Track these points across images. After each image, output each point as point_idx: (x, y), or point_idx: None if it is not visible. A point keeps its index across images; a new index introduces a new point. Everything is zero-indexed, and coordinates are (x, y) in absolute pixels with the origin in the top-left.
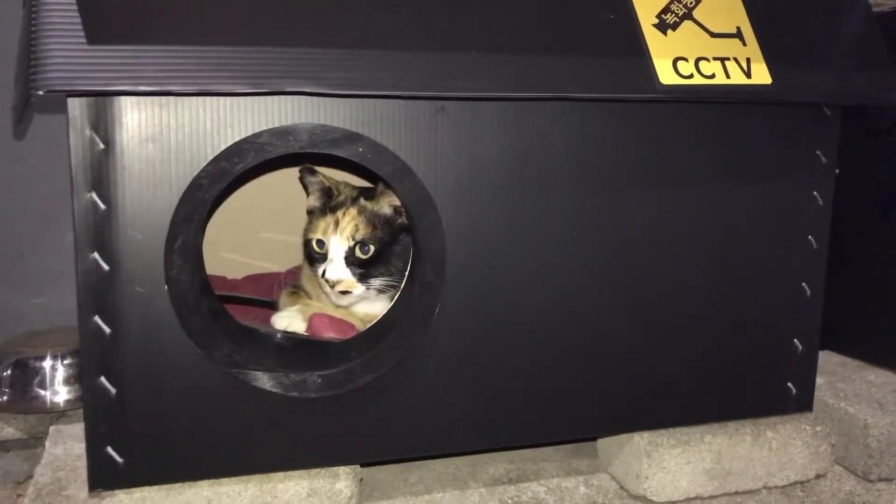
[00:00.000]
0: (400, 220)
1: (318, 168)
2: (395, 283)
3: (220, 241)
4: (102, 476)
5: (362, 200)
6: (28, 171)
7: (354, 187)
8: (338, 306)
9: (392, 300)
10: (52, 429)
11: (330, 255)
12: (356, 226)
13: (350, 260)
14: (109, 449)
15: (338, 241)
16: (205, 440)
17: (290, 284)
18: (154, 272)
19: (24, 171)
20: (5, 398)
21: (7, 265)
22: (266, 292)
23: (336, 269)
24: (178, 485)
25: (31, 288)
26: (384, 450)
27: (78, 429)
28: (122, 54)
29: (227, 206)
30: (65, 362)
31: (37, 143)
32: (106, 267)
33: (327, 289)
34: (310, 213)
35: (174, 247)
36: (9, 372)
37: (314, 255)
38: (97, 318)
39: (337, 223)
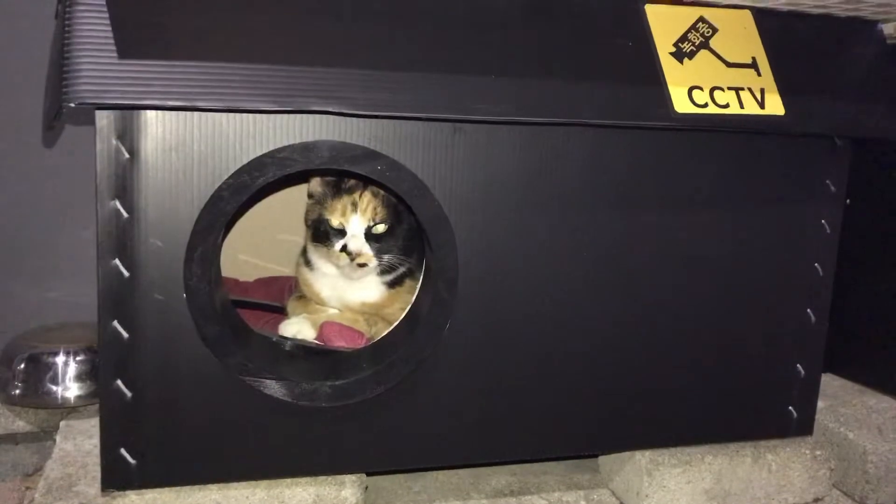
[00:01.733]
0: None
1: None
2: (400, 261)
3: (236, 243)
4: (115, 476)
5: (374, 186)
6: (46, 167)
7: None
8: (349, 279)
9: (389, 286)
10: (62, 424)
11: (350, 232)
12: (374, 207)
13: (367, 237)
14: (123, 450)
15: (358, 219)
16: (216, 445)
17: (298, 290)
18: (173, 280)
19: (42, 167)
20: (18, 392)
21: (23, 259)
22: (276, 296)
23: (357, 242)
24: (187, 487)
25: (47, 282)
26: (390, 460)
27: (88, 425)
28: (151, 69)
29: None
30: (77, 358)
31: (57, 142)
32: (126, 273)
33: (344, 261)
34: (312, 195)
35: (194, 256)
36: (22, 366)
37: (330, 232)
38: (116, 323)
39: (355, 204)
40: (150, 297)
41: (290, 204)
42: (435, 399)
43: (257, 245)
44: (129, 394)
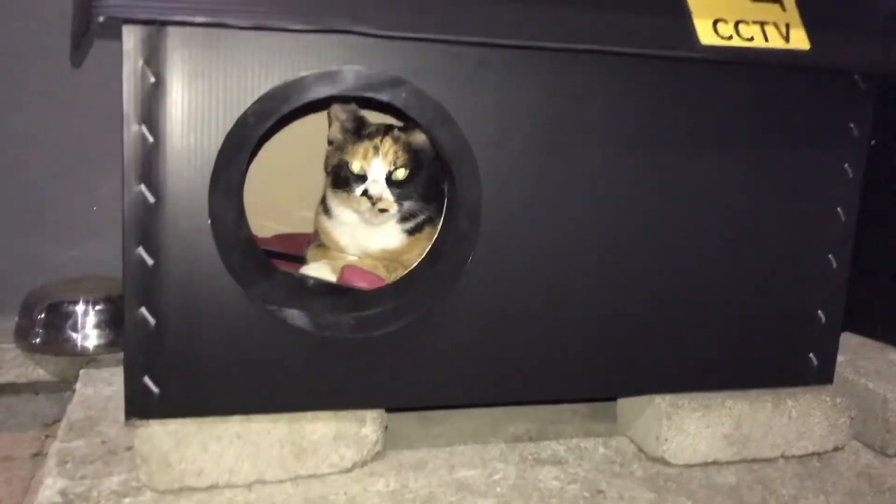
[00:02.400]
0: (430, 153)
1: None
2: (420, 208)
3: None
4: (138, 405)
5: (396, 132)
6: (66, 126)
7: (382, 123)
8: (368, 225)
9: (408, 233)
10: (82, 372)
11: (372, 176)
12: (396, 152)
13: (388, 182)
14: (146, 379)
15: (379, 164)
16: (238, 375)
17: (317, 239)
18: (198, 206)
19: (61, 127)
20: (38, 339)
21: (44, 217)
22: (295, 250)
23: (379, 187)
24: (209, 419)
25: (67, 240)
26: (410, 396)
27: (107, 373)
28: None
29: (267, 183)
30: (97, 307)
31: (73, 102)
32: (152, 199)
33: (365, 206)
34: (332, 142)
35: (219, 182)
36: (43, 315)
37: (350, 177)
38: (140, 250)
39: (377, 148)
40: (175, 224)
41: (311, 179)
42: (455, 335)
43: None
44: (152, 321)
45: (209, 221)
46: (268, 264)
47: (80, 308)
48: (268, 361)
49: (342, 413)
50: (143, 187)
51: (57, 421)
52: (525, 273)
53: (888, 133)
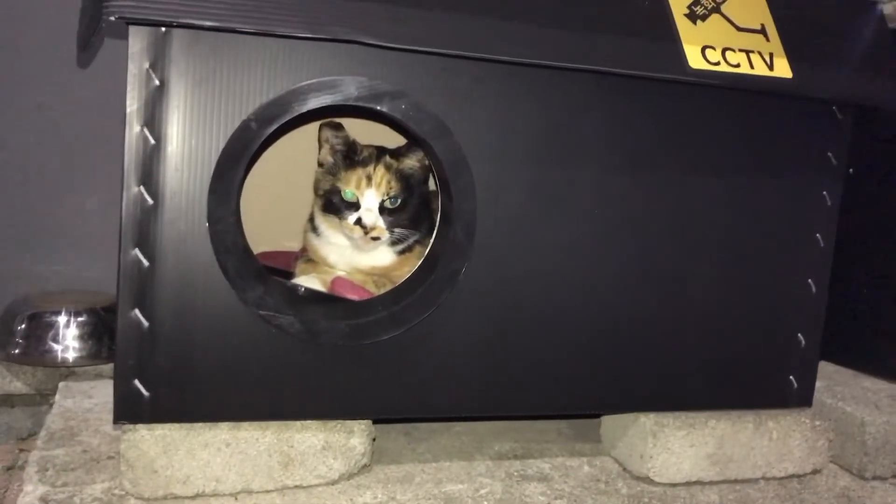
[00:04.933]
0: (421, 177)
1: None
2: (410, 233)
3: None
4: (127, 408)
5: (388, 158)
6: (52, 139)
7: (371, 146)
8: (359, 250)
9: (397, 254)
10: (61, 385)
11: (365, 205)
12: (388, 181)
13: (380, 210)
14: (137, 382)
15: (373, 194)
16: (229, 381)
17: (307, 255)
18: (197, 210)
19: (47, 139)
20: (18, 350)
21: (27, 231)
22: (283, 266)
23: (372, 216)
24: (198, 425)
25: (50, 254)
26: (401, 407)
27: (87, 386)
28: None
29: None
30: (79, 319)
31: (59, 115)
32: (150, 201)
33: (357, 234)
34: (322, 164)
35: (219, 186)
36: (24, 325)
37: (341, 205)
38: (136, 251)
39: (370, 177)
40: (173, 227)
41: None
42: (448, 345)
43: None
44: (146, 323)
45: (207, 225)
46: (262, 271)
47: (61, 319)
48: (260, 368)
49: (331, 423)
50: (141, 189)
51: (32, 435)
52: (517, 286)
53: (864, 163)
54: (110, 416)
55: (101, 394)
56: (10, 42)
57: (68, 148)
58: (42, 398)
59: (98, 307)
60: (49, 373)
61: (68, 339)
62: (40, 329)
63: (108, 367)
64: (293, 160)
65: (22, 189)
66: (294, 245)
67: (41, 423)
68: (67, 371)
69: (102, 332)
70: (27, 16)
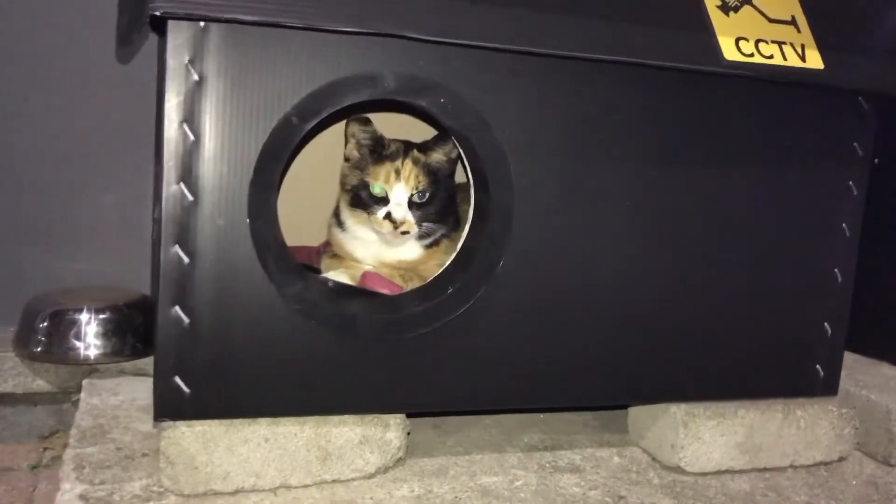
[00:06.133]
0: (448, 170)
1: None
2: (438, 227)
3: None
4: (168, 405)
5: (415, 152)
6: (70, 136)
7: (398, 140)
8: (387, 245)
9: (424, 247)
10: (85, 382)
11: (395, 200)
12: (417, 175)
13: (409, 204)
14: (177, 379)
15: (402, 188)
16: (269, 377)
17: (331, 250)
18: (237, 206)
19: (65, 136)
20: (40, 348)
21: (46, 228)
22: (305, 260)
23: (402, 211)
24: (237, 422)
25: (69, 251)
26: (438, 400)
27: (111, 383)
28: None
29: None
30: (101, 316)
31: (77, 112)
32: (190, 197)
33: (387, 228)
34: (348, 159)
35: (259, 182)
36: (46, 323)
37: (370, 200)
38: (177, 248)
39: (398, 171)
40: (213, 223)
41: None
42: (484, 338)
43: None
44: (186, 320)
45: (248, 221)
46: (300, 267)
47: (83, 316)
48: (299, 363)
49: (367, 417)
50: (181, 185)
51: (55, 433)
52: (552, 278)
53: (889, 153)
54: (139, 414)
55: (126, 390)
56: (24, 40)
57: (85, 144)
58: (64, 396)
59: (120, 303)
60: (71, 370)
61: (90, 337)
62: (63, 326)
63: (130, 364)
64: (314, 155)
65: (39, 186)
66: (311, 241)
67: (63, 421)
68: (89, 368)
69: (125, 328)
70: (39, 13)
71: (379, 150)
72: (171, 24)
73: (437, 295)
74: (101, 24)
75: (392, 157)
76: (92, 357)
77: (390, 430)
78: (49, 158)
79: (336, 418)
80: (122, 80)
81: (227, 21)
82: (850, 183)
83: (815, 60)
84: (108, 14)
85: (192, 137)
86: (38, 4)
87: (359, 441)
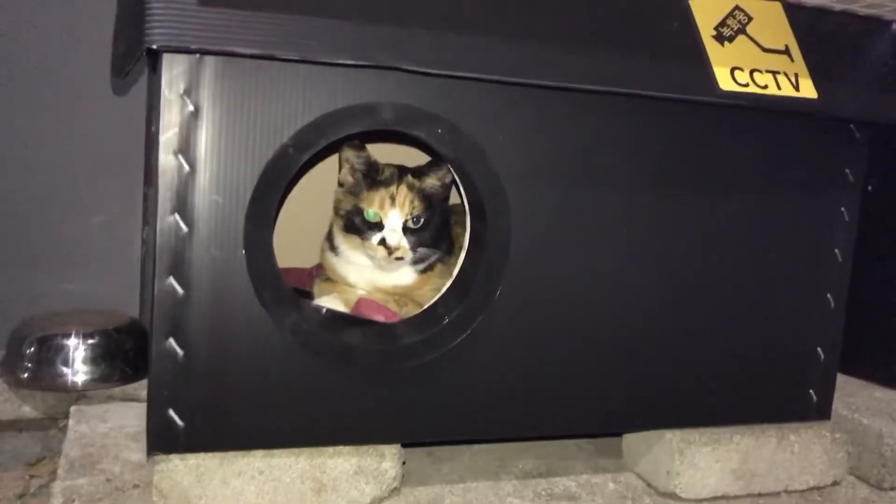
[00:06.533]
0: (442, 195)
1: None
2: (432, 252)
3: None
4: (162, 439)
5: (410, 177)
6: (55, 158)
7: (392, 165)
8: (382, 270)
9: (419, 273)
10: (73, 409)
11: (389, 226)
12: (412, 201)
13: (404, 230)
14: (171, 412)
15: (397, 214)
16: (264, 409)
17: (324, 274)
18: (232, 236)
19: (51, 158)
20: (27, 375)
21: (34, 248)
22: (296, 284)
23: (397, 237)
24: (231, 454)
25: (59, 273)
26: (434, 430)
27: (100, 409)
28: (230, 17)
29: None
30: (90, 341)
31: (67, 133)
32: (185, 228)
33: (381, 254)
34: (342, 184)
35: (256, 213)
36: (33, 349)
37: (363, 225)
38: (171, 279)
39: (393, 197)
40: (208, 254)
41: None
42: (481, 368)
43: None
44: (181, 352)
45: (243, 252)
46: (296, 296)
47: (71, 342)
48: (295, 394)
49: (363, 448)
50: (176, 216)
51: (41, 460)
52: (548, 307)
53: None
54: (128, 442)
55: (115, 417)
56: (10, 62)
57: (72, 165)
58: (50, 422)
59: (110, 328)
60: (59, 397)
61: (79, 363)
62: (50, 352)
63: (119, 389)
64: (307, 177)
65: (27, 208)
66: (303, 263)
67: (50, 448)
68: (78, 394)
69: (115, 354)
70: (26, 34)
71: (373, 176)
72: (165, 55)
73: (433, 324)
74: (89, 44)
75: (386, 183)
76: (80, 383)
77: (386, 460)
78: (36, 179)
79: (331, 449)
80: (111, 101)
81: (224, 54)
82: (843, 209)
83: (808, 90)
84: (97, 34)
85: (186, 168)
86: (24, 26)
87: (354, 472)
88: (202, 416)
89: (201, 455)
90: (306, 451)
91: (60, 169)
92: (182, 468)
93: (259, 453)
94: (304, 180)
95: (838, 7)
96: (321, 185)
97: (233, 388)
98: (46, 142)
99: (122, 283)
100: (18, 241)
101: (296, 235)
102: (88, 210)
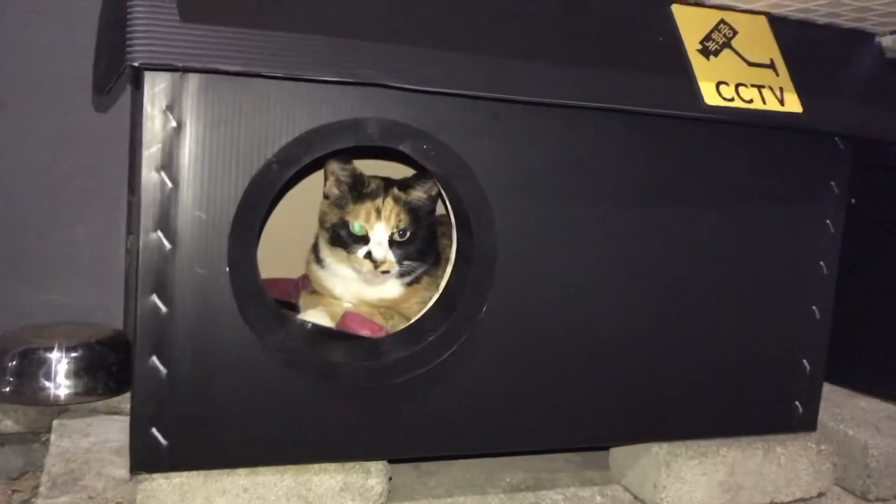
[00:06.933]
0: (428, 208)
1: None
2: (418, 265)
3: None
4: (145, 458)
5: (396, 190)
6: (41, 169)
7: (378, 178)
8: (368, 283)
9: (405, 285)
10: (55, 423)
11: (375, 239)
12: (398, 214)
13: (390, 243)
14: (154, 430)
15: (382, 227)
16: (249, 426)
17: (310, 286)
18: (216, 254)
19: (36, 168)
20: (9, 389)
21: (15, 259)
22: (281, 294)
23: (382, 250)
24: (216, 472)
25: (42, 284)
26: (420, 446)
27: (83, 424)
28: (212, 34)
29: None
30: (73, 354)
31: (48, 145)
32: (168, 246)
33: (367, 268)
34: (328, 196)
35: (239, 230)
36: (15, 362)
37: (349, 238)
38: (154, 297)
39: (378, 210)
40: (192, 271)
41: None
42: (467, 384)
43: None
44: (164, 370)
45: (227, 269)
46: (281, 313)
47: (54, 355)
48: (280, 411)
49: (349, 464)
50: (159, 233)
51: (23, 474)
52: (535, 323)
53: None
54: (112, 456)
55: (98, 431)
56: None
57: (54, 175)
58: (33, 436)
59: (93, 340)
60: (41, 410)
61: (61, 376)
62: (33, 366)
63: (103, 403)
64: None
65: (8, 218)
66: (289, 273)
67: (33, 462)
68: (61, 408)
69: (98, 367)
70: (13, 50)
71: (359, 188)
72: (147, 72)
73: (419, 340)
74: (71, 55)
75: (372, 196)
76: (63, 397)
77: (372, 476)
78: (17, 189)
79: (317, 466)
80: (93, 112)
81: (207, 72)
82: (827, 221)
83: (793, 104)
84: (79, 46)
85: (169, 185)
86: (7, 39)
87: (340, 489)
88: (186, 435)
89: (185, 473)
90: (292, 468)
91: (42, 177)
92: (166, 487)
93: (243, 471)
94: (292, 191)
95: (822, 21)
96: (308, 193)
97: (217, 405)
98: (28, 151)
99: (106, 294)
100: (8, 256)
101: (282, 244)
102: (71, 220)
